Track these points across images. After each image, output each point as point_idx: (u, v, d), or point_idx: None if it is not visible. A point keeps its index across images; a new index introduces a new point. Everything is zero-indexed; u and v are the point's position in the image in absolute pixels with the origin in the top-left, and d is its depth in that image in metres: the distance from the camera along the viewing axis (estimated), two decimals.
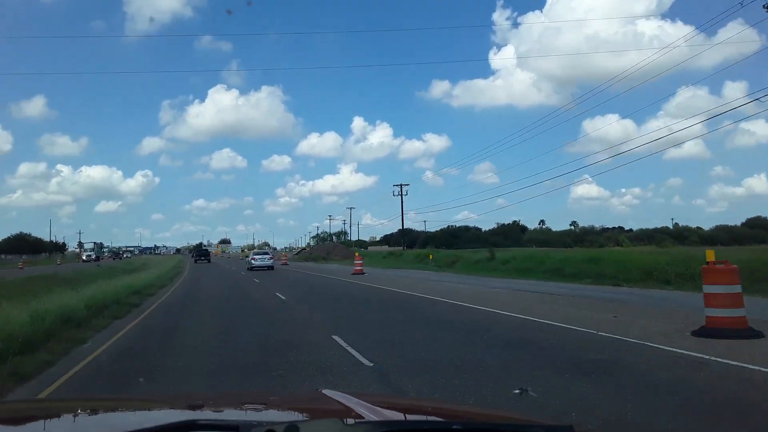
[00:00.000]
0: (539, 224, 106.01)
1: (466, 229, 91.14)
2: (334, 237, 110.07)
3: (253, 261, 39.99)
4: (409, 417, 1.76)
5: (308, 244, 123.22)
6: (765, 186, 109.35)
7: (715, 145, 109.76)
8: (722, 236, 67.17)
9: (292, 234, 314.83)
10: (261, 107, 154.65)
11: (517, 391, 5.17)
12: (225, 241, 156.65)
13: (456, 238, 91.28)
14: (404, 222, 68.60)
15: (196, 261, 63.29)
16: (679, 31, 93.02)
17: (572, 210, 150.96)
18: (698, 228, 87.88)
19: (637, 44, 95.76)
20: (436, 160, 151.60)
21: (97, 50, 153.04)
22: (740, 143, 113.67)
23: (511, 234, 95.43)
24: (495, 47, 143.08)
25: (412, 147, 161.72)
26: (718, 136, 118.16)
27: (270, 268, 38.30)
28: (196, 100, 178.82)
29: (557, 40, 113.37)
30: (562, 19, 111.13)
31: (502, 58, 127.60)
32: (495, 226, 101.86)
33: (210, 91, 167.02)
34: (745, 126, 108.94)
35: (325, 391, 1.98)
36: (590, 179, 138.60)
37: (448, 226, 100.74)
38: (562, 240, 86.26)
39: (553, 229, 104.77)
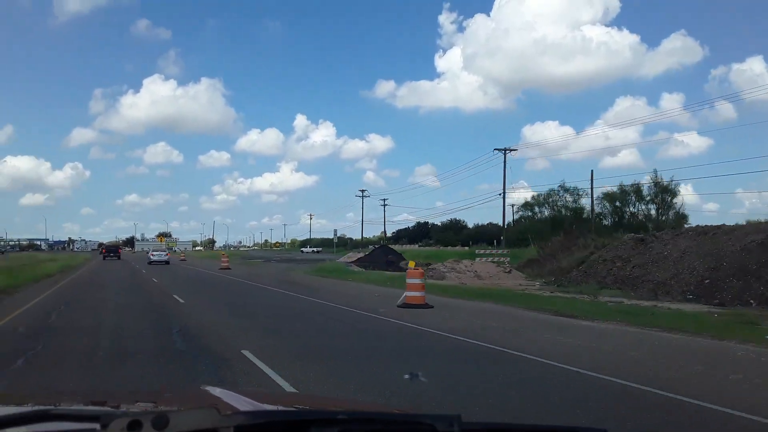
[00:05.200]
0: None
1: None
2: None
3: (151, 256, 46.87)
4: (290, 408, 1.90)
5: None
6: None
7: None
8: None
9: (232, 232, 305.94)
10: (200, 100, 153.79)
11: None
12: (166, 234, 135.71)
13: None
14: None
15: (104, 258, 59.98)
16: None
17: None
18: None
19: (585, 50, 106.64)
20: (379, 161, 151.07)
21: (24, 31, 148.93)
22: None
23: None
24: (441, 50, 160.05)
25: (354, 147, 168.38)
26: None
27: (166, 263, 44.82)
28: (131, 90, 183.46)
29: (504, 43, 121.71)
30: (509, 22, 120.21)
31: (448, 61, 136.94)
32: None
33: (145, 81, 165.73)
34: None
35: (207, 388, 2.03)
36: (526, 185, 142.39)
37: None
38: None
39: None
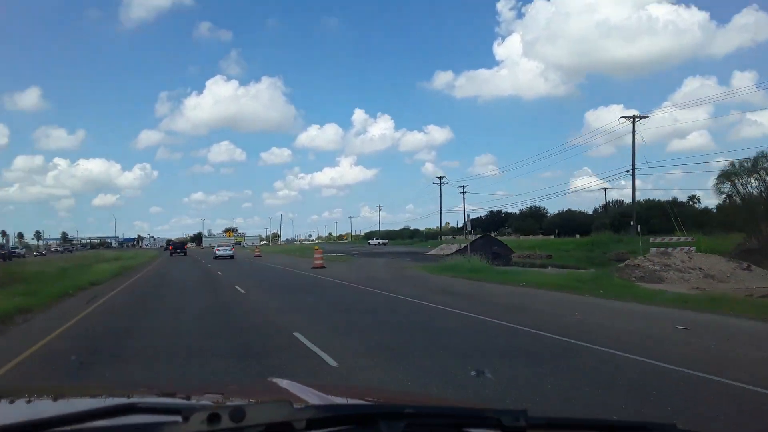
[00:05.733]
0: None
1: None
2: None
3: (216, 251, 47.81)
4: (359, 402, 1.90)
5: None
6: None
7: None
8: None
9: (298, 226, 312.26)
10: (261, 99, 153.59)
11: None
12: (232, 230, 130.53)
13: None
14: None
15: (171, 254, 59.89)
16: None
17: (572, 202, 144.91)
18: None
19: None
20: (438, 153, 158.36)
21: (92, 40, 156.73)
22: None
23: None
24: (499, 38, 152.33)
25: (413, 139, 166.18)
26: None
27: (231, 257, 45.70)
28: (194, 92, 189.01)
29: (565, 27, 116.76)
30: (570, 5, 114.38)
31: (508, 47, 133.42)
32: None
33: (208, 83, 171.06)
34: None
35: (274, 380, 2.04)
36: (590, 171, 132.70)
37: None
38: None
39: None
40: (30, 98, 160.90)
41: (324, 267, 27.50)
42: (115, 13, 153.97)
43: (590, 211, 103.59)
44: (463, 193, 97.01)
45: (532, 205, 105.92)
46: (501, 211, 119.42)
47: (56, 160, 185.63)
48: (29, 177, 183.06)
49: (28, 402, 1.88)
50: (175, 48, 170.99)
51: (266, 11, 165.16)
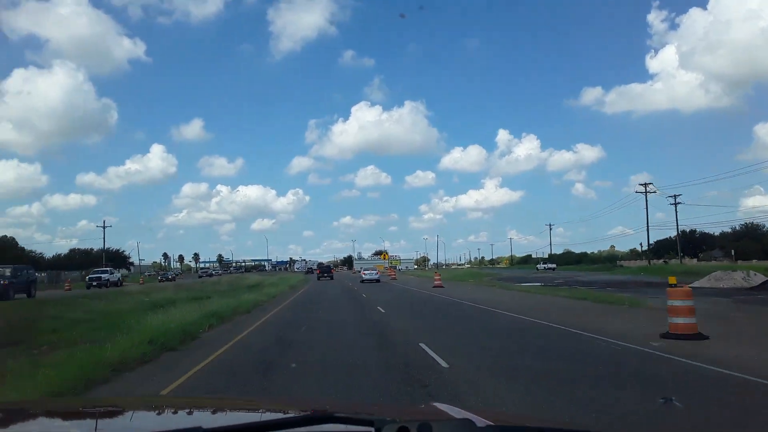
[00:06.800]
0: None
1: None
2: None
3: (363, 275, 49.13)
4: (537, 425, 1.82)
5: None
6: None
7: None
8: None
9: (440, 250, 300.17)
10: (404, 123, 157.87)
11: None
12: (385, 252, 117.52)
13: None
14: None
15: (318, 278, 58.86)
16: None
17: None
18: None
19: None
20: (588, 172, 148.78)
21: (246, 72, 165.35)
22: None
23: None
24: (652, 50, 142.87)
25: (561, 159, 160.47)
26: None
27: (377, 281, 46.22)
28: (340, 119, 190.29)
29: (726, 36, 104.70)
30: (730, 13, 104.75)
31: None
32: None
33: (353, 109, 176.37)
34: None
35: (437, 405, 2.06)
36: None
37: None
38: None
39: None
40: (194, 129, 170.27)
41: (702, 336, 10.27)
42: (265, 46, 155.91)
43: None
44: (675, 204, 75.51)
45: (746, 222, 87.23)
46: (695, 230, 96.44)
47: (219, 186, 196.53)
48: (195, 203, 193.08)
49: (228, 411, 2.07)
50: (321, 77, 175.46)
51: (407, 37, 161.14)
